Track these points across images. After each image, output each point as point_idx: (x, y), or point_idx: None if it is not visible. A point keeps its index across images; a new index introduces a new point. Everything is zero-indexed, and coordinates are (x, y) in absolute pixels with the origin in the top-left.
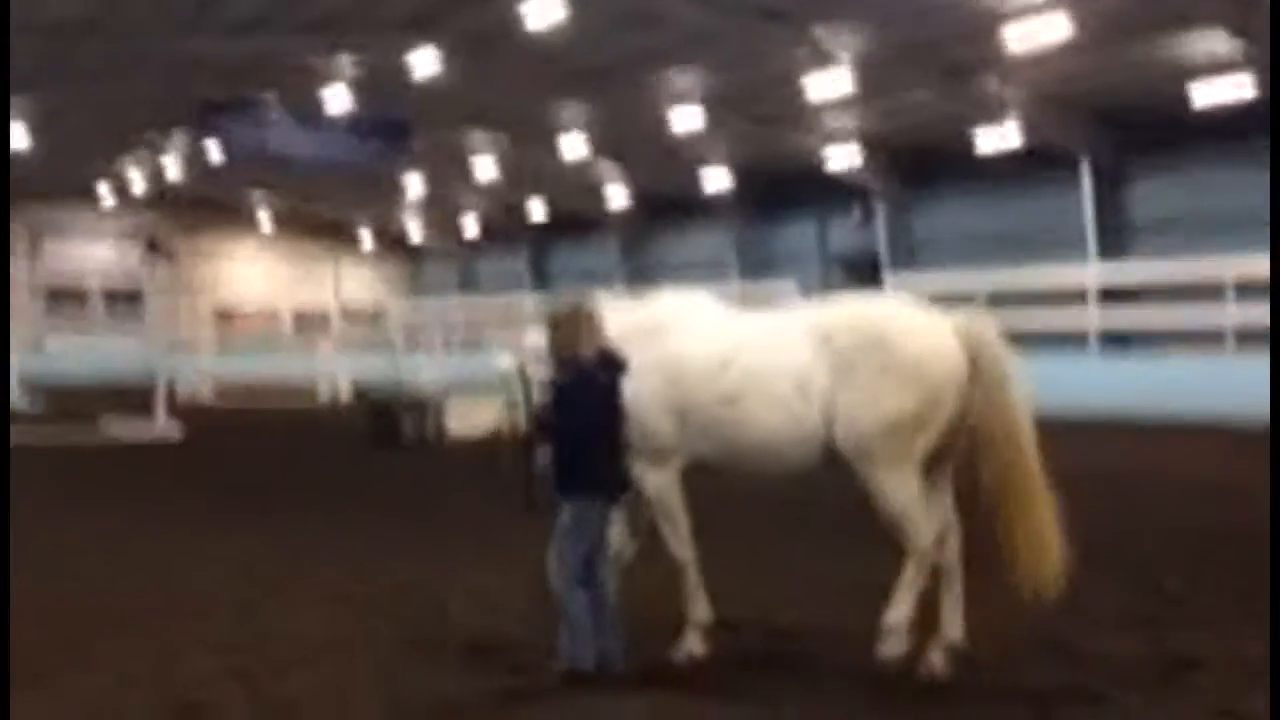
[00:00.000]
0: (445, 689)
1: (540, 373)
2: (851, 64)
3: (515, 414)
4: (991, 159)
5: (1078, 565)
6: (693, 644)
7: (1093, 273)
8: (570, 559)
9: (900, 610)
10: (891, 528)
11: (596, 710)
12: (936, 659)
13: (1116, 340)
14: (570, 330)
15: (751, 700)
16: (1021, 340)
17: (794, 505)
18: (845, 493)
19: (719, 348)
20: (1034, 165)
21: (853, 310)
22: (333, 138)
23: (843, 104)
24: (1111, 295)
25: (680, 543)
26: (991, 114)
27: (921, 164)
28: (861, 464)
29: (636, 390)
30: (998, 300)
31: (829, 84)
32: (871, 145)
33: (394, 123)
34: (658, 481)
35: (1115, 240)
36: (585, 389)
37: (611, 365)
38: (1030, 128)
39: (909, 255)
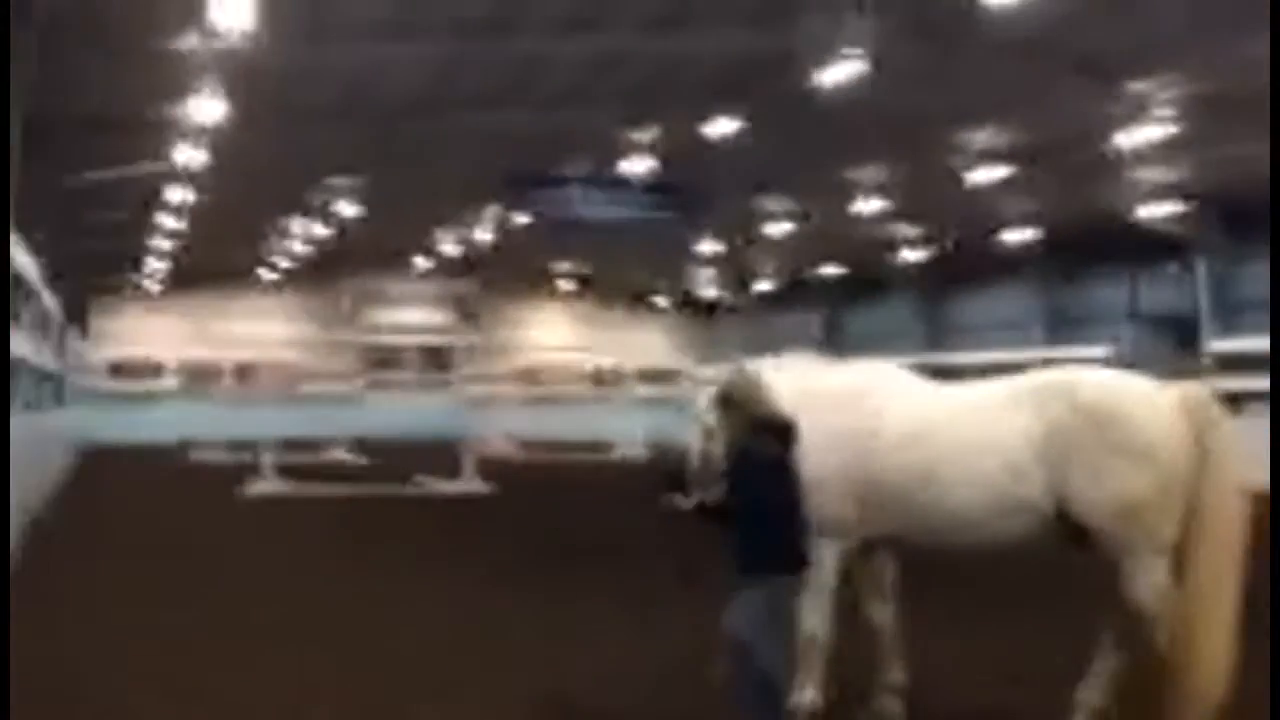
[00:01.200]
0: None
1: (713, 446)
2: (1169, 115)
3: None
4: None
5: None
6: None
7: None
8: (766, 636)
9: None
10: (1133, 618)
11: None
12: None
13: None
14: (742, 402)
15: None
16: None
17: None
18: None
19: (912, 421)
20: None
21: (1066, 381)
22: (631, 203)
23: (1159, 155)
24: None
25: (819, 617)
26: None
27: (1248, 217)
28: (1105, 548)
29: (819, 463)
30: None
31: (1144, 135)
32: (1191, 198)
33: (691, 188)
34: (826, 555)
35: None
36: (759, 463)
37: (782, 433)
38: None
39: (1233, 315)
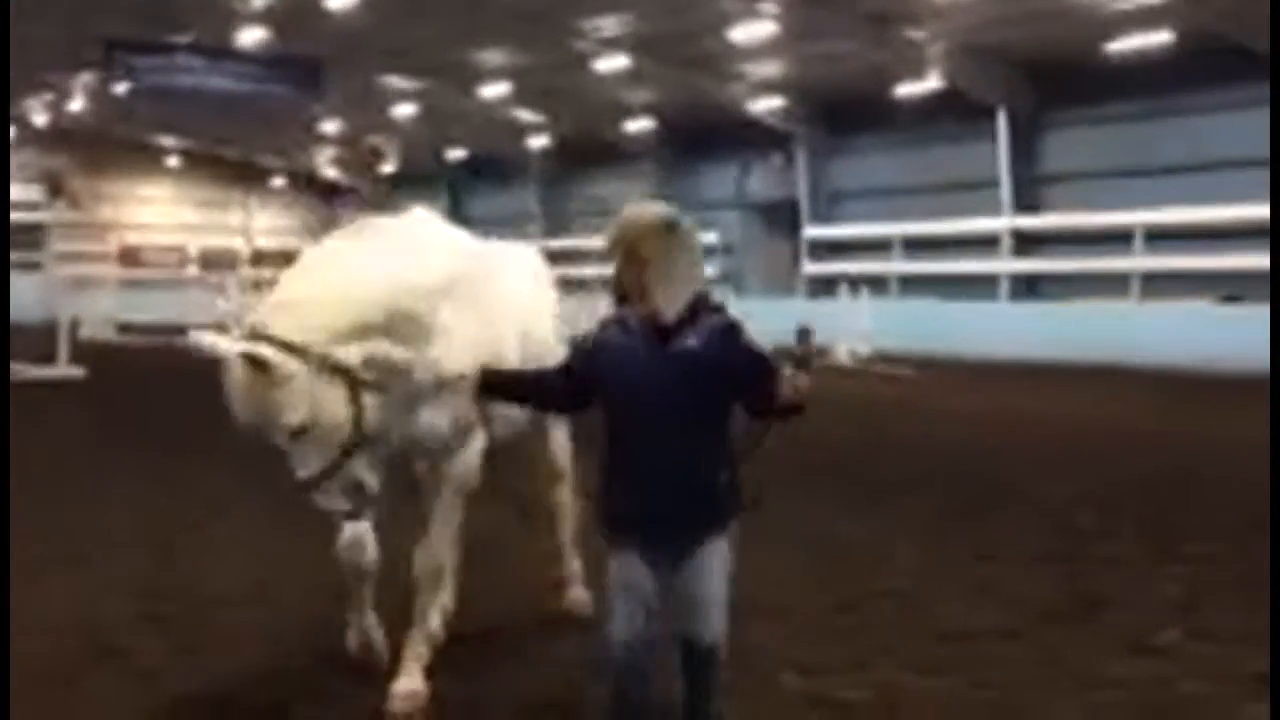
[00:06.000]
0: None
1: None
2: (775, 11)
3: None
4: (912, 108)
5: (996, 505)
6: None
7: (1005, 221)
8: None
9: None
10: (551, 478)
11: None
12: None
13: (1027, 286)
14: (646, 257)
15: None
16: (936, 285)
17: None
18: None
19: (538, 294)
20: (953, 115)
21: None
22: (244, 75)
23: (766, 51)
24: (1024, 243)
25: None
26: (912, 63)
27: (843, 112)
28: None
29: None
30: (913, 247)
31: (752, 31)
32: (794, 93)
33: (308, 60)
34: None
35: (1029, 189)
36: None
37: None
38: (950, 77)
39: (829, 203)
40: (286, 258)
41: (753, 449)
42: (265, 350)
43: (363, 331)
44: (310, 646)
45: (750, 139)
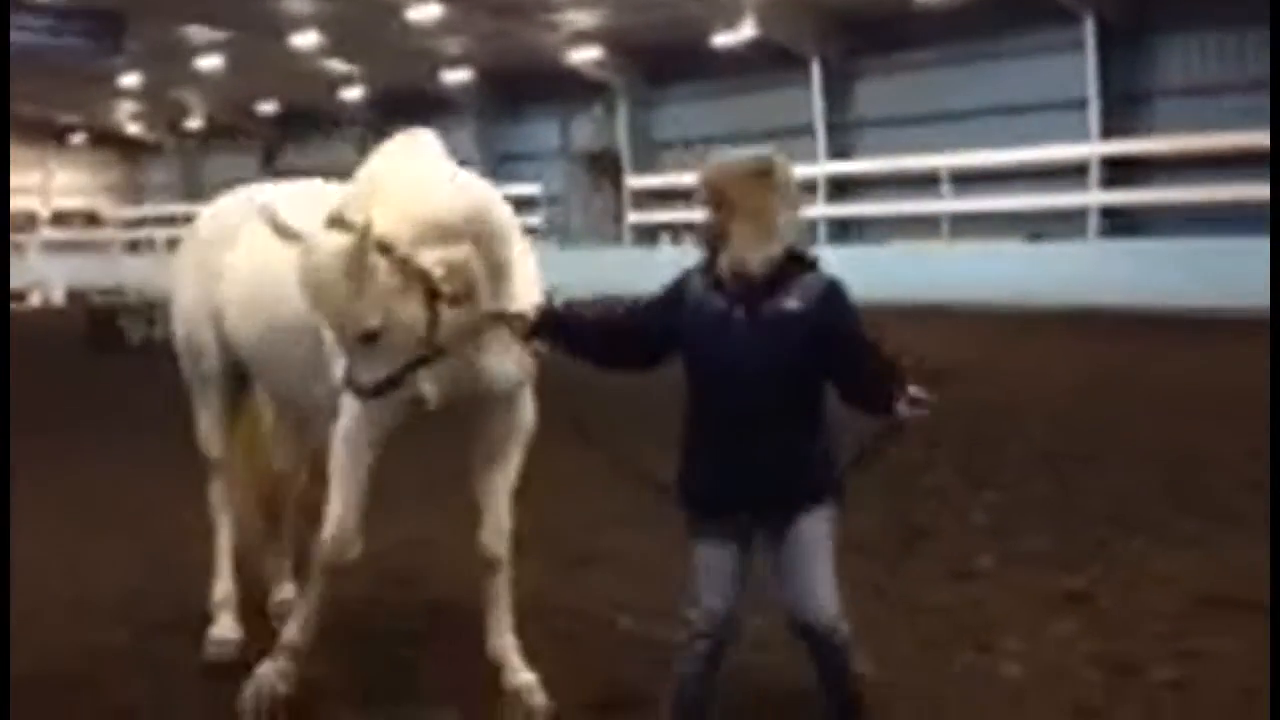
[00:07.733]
0: (187, 601)
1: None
2: None
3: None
4: (728, 57)
5: None
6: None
7: (820, 168)
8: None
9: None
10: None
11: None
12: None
13: (842, 229)
14: (733, 199)
15: None
16: None
17: None
18: None
19: None
20: (768, 63)
21: None
22: (38, 28)
23: (581, 0)
24: (838, 188)
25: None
26: (727, 12)
27: (661, 62)
28: None
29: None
30: None
31: None
32: (611, 43)
33: (108, 13)
34: None
35: (843, 135)
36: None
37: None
38: (764, 26)
39: (650, 152)
40: (89, 217)
41: (868, 457)
42: (356, 243)
43: (443, 235)
44: (124, 616)
45: (571, 89)
